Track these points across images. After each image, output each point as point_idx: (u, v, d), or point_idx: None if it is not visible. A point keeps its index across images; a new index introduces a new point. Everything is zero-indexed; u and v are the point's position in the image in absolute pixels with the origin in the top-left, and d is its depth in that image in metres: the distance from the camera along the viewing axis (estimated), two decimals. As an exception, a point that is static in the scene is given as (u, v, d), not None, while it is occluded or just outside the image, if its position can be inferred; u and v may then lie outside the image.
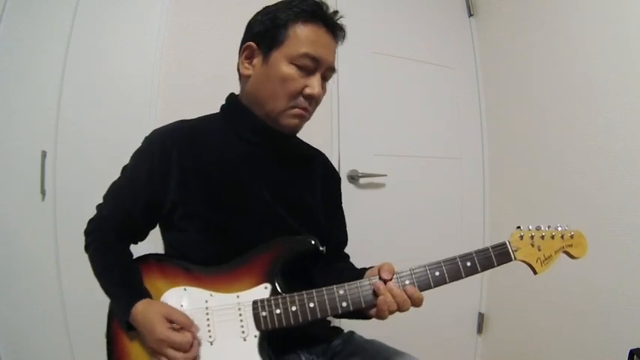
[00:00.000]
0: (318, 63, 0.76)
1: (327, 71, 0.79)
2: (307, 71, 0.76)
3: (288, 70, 0.75)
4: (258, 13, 0.82)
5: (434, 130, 1.86)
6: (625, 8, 1.33)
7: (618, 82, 1.35)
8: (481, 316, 1.90)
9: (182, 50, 1.41)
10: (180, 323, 0.66)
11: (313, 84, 0.76)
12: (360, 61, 1.68)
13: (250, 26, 0.82)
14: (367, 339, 0.86)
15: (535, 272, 0.72)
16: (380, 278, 0.68)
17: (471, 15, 1.98)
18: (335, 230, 0.92)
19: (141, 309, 0.68)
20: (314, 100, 0.78)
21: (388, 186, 1.71)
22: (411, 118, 1.81)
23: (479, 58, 1.97)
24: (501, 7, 1.85)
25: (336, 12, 0.79)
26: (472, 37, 1.98)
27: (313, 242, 0.75)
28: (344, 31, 0.81)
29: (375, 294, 0.67)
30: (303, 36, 0.75)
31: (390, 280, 0.68)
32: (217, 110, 0.88)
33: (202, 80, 1.42)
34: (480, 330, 1.90)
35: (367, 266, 0.79)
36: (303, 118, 0.79)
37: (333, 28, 0.79)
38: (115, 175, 0.83)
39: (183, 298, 0.71)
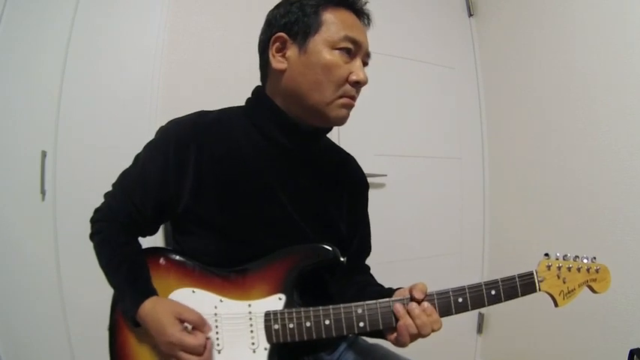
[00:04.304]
0: (358, 47, 0.71)
1: (365, 57, 0.74)
2: (349, 57, 0.71)
3: (331, 56, 0.69)
4: (278, 6, 0.75)
5: (434, 130, 1.86)
6: (625, 8, 1.33)
7: (618, 82, 1.36)
8: (481, 316, 1.90)
9: (182, 50, 1.41)
10: (193, 323, 0.63)
11: (357, 70, 0.71)
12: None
13: (274, 19, 0.74)
14: (371, 343, 0.84)
15: (556, 305, 0.70)
16: (411, 298, 0.64)
17: (471, 15, 1.98)
18: (357, 239, 0.86)
19: (149, 307, 0.65)
20: (359, 88, 0.73)
21: (388, 186, 1.71)
22: (411, 118, 1.81)
23: (479, 58, 1.97)
24: (501, 7, 1.85)
25: None
26: (472, 37, 1.98)
27: (333, 252, 0.70)
28: (370, 18, 0.76)
29: (395, 317, 0.63)
30: (338, 20, 0.70)
31: (423, 299, 0.63)
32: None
33: (202, 80, 1.42)
34: (479, 330, 1.90)
35: (395, 286, 0.74)
36: (351, 107, 0.74)
37: (361, 13, 0.75)
38: (115, 175, 0.79)
39: (191, 300, 0.68)
